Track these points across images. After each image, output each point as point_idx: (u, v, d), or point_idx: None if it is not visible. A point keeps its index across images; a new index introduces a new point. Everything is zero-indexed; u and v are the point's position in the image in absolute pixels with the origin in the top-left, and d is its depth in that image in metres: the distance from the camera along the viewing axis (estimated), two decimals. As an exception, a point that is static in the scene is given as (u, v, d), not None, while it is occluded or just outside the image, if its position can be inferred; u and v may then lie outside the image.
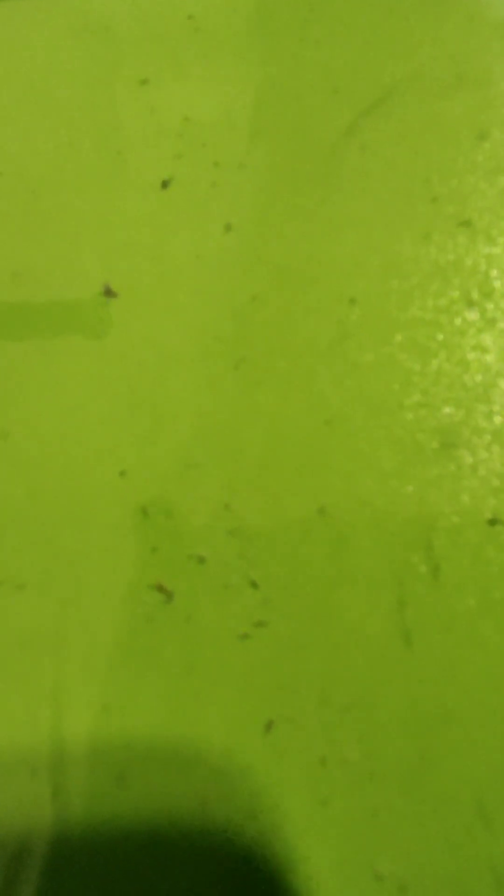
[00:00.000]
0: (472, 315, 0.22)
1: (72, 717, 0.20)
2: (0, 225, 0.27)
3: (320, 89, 0.28)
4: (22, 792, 0.20)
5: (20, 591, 0.22)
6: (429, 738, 0.18)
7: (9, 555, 0.22)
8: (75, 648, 0.21)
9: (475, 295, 0.22)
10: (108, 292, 0.25)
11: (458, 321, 0.22)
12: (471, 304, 0.22)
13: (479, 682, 0.19)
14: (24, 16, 0.32)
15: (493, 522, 0.20)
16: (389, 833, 0.17)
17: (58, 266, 0.26)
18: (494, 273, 0.22)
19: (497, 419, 0.21)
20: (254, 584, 0.20)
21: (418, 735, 0.18)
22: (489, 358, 0.22)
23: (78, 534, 0.22)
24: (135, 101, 0.29)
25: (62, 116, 0.29)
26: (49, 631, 0.21)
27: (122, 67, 0.30)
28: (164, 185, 0.27)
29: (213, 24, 0.30)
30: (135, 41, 0.31)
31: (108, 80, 0.30)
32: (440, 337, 0.22)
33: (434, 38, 0.28)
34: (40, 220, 0.27)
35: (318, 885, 0.17)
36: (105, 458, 0.23)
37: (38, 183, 0.28)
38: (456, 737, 0.18)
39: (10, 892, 0.19)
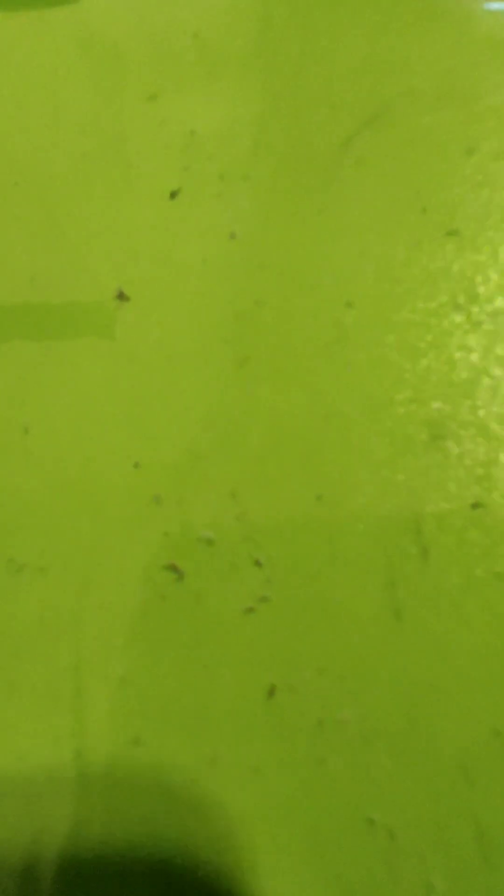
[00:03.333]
0: (459, 318, 0.24)
1: (92, 689, 0.22)
2: (18, 232, 0.29)
3: (319, 105, 0.29)
4: (46, 757, 0.22)
5: (41, 574, 0.24)
6: (417, 704, 0.20)
7: (30, 540, 0.24)
8: (94, 626, 0.23)
9: (461, 299, 0.24)
10: (121, 296, 0.27)
11: (445, 323, 0.24)
12: (457, 307, 0.24)
13: (462, 653, 0.20)
14: (36, 32, 0.34)
15: (475, 506, 0.22)
16: (380, 787, 0.19)
17: (73, 271, 0.28)
18: (479, 279, 0.24)
19: (481, 413, 0.23)
20: (258, 564, 0.22)
21: (407, 701, 0.20)
22: (474, 357, 0.23)
23: (95, 520, 0.24)
24: (144, 116, 0.31)
25: (75, 130, 0.31)
26: (69, 611, 0.23)
27: (131, 83, 0.32)
28: (173, 195, 0.28)
29: (217, 41, 0.32)
30: (143, 58, 0.32)
31: (118, 95, 0.32)
32: (429, 338, 0.24)
33: (426, 56, 0.30)
34: (56, 227, 0.29)
35: (317, 832, 0.19)
36: (119, 450, 0.24)
37: (53, 193, 0.30)
38: (441, 702, 0.20)
39: (35, 849, 0.21)
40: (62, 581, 0.23)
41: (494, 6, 0.30)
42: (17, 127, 0.31)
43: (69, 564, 0.23)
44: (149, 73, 0.32)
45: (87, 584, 0.23)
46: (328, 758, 0.20)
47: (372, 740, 0.19)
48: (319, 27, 0.31)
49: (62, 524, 0.24)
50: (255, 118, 0.30)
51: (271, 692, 0.20)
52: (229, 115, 0.30)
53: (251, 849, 0.19)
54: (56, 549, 0.24)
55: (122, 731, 0.21)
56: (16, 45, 0.33)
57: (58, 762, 0.22)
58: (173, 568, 0.22)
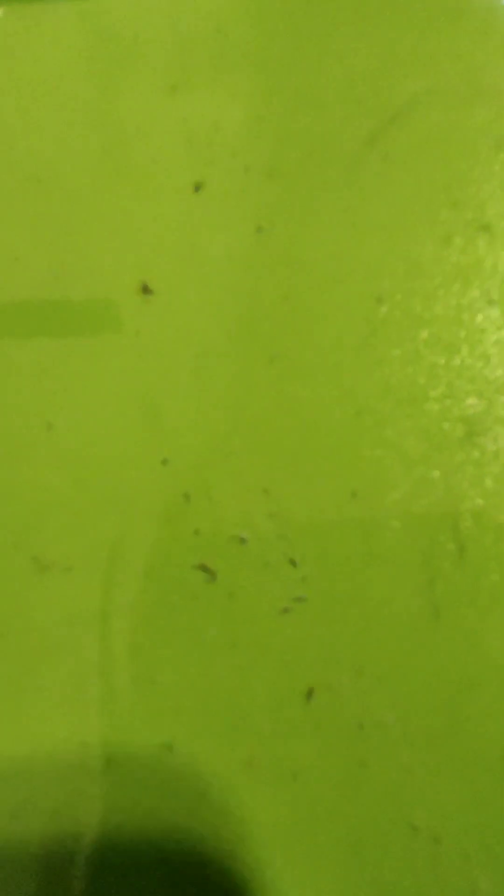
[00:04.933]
0: (493, 312, 0.24)
1: (121, 691, 0.21)
2: (40, 228, 0.28)
3: (344, 100, 0.29)
4: (75, 761, 0.21)
5: (67, 573, 0.23)
6: (457, 703, 0.19)
7: (55, 539, 0.24)
8: (122, 627, 0.22)
9: (495, 294, 0.24)
10: (146, 290, 0.26)
11: (479, 318, 0.24)
12: (491, 302, 0.24)
13: (502, 651, 0.20)
14: (54, 23, 0.33)
15: (514, 504, 0.21)
16: (423, 790, 0.19)
17: (95, 266, 0.27)
18: (513, 274, 0.24)
19: (517, 410, 0.22)
20: (293, 563, 0.21)
21: (447, 700, 0.20)
22: (509, 353, 0.23)
23: (122, 519, 0.23)
24: (165, 109, 0.31)
25: (95, 123, 0.31)
26: (96, 611, 0.23)
27: (151, 76, 0.31)
28: (197, 189, 0.28)
29: (240, 34, 0.31)
30: (163, 50, 0.32)
31: (139, 88, 0.31)
32: (463, 333, 0.24)
33: (451, 52, 0.30)
34: (78, 222, 0.28)
35: (359, 837, 0.18)
36: (147, 447, 0.24)
37: (74, 188, 0.29)
38: (482, 701, 0.20)
39: (66, 853, 0.21)
40: (89, 581, 0.23)
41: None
42: (35, 122, 0.31)
43: (96, 564, 0.23)
44: (170, 65, 0.31)
45: (115, 584, 0.23)
46: (369, 761, 0.19)
47: (413, 742, 0.19)
48: (344, 21, 0.30)
49: (88, 522, 0.23)
50: (279, 112, 0.30)
51: (309, 694, 0.20)
52: (253, 109, 0.30)
53: (290, 855, 0.19)
54: (82, 548, 0.23)
55: (153, 735, 0.20)
56: (32, 39, 0.33)
57: (87, 766, 0.21)
58: (204, 568, 0.22)
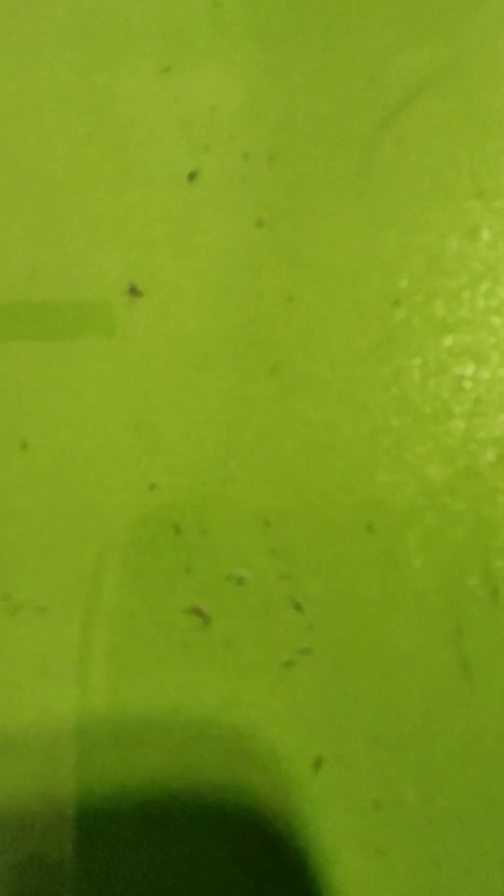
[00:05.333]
0: (529, 317, 0.21)
1: (99, 751, 0.19)
2: (16, 221, 0.26)
3: (354, 78, 0.26)
4: (47, 825, 0.19)
5: (41, 614, 0.20)
6: (492, 778, 0.17)
7: (29, 575, 0.21)
8: (102, 677, 0.20)
9: (530, 295, 0.21)
10: (134, 291, 0.23)
11: (511, 324, 0.21)
12: (526, 305, 0.21)
13: (544, 715, 0.17)
14: (40, 4, 0.31)
15: None
16: (453, 885, 0.16)
17: (78, 264, 0.25)
18: (552, 272, 0.21)
19: None
20: (298, 607, 0.18)
21: (481, 775, 0.17)
22: (548, 363, 0.20)
23: (104, 553, 0.21)
24: (156, 91, 0.28)
25: (80, 107, 0.28)
26: (72, 658, 0.20)
27: (142, 55, 0.28)
28: (191, 178, 0.25)
29: (238, 8, 0.28)
30: (155, 28, 0.29)
31: (129, 68, 0.28)
32: (492, 340, 0.21)
33: (470, 25, 0.27)
34: (59, 215, 0.25)
35: (377, 942, 0.16)
36: (133, 470, 0.21)
37: (56, 176, 0.26)
38: (522, 777, 0.17)
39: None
40: (65, 623, 0.20)
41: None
42: (14, 106, 0.28)
43: (73, 603, 0.20)
44: (162, 43, 0.29)
45: (95, 627, 0.20)
46: (388, 848, 0.16)
47: (440, 825, 0.16)
48: (354, -8, 0.28)
49: (66, 556, 0.21)
50: (281, 93, 0.27)
51: (317, 765, 0.17)
52: (253, 90, 0.27)
53: None
54: (58, 586, 0.20)
55: (137, 810, 0.18)
56: (14, 21, 0.30)
57: (63, 836, 0.19)
58: (197, 611, 0.19)
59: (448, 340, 0.21)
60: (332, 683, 0.18)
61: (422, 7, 0.27)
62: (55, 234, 0.26)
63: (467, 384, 0.21)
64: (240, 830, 0.17)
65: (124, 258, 0.25)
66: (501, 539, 0.19)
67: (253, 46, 0.29)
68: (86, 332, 0.24)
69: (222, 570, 0.19)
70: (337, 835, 0.16)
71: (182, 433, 0.21)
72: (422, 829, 0.16)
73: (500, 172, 0.23)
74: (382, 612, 0.18)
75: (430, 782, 0.17)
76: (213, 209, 0.24)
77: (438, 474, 0.19)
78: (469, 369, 0.21)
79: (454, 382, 0.21)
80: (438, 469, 0.20)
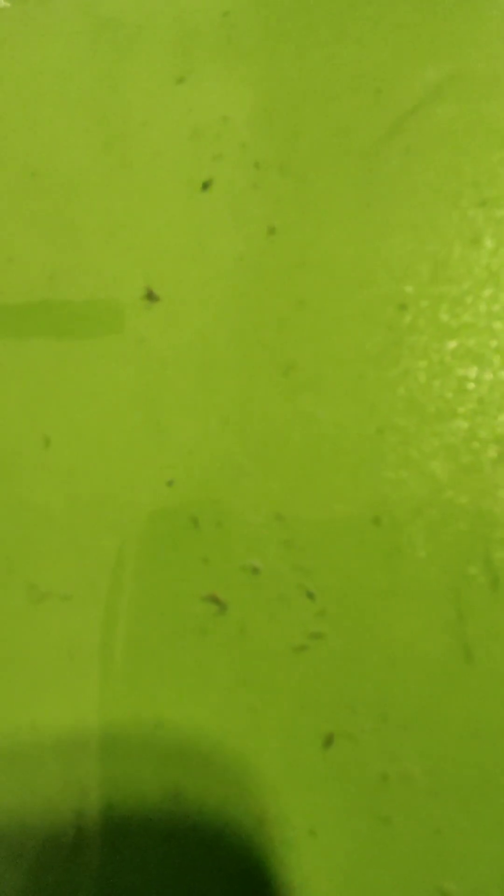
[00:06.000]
0: (528, 322, 0.22)
1: (121, 733, 0.20)
2: (36, 225, 0.27)
3: (361, 89, 0.27)
4: (70, 810, 0.20)
5: (65, 602, 0.22)
6: (491, 755, 0.18)
7: (53, 565, 0.22)
8: (124, 662, 0.21)
9: (530, 301, 0.22)
10: (151, 296, 0.24)
11: (512, 328, 0.22)
12: (525, 310, 0.22)
13: (540, 696, 0.18)
14: (56, 16, 0.32)
15: (553, 533, 0.20)
16: (454, 851, 0.17)
17: (95, 268, 0.26)
18: (551, 279, 0.22)
19: None
20: (310, 595, 0.20)
21: (481, 751, 0.18)
22: (546, 366, 0.21)
23: (124, 544, 0.22)
24: (171, 101, 0.29)
25: (96, 116, 0.29)
26: (96, 644, 0.21)
27: (156, 66, 0.29)
28: (205, 186, 0.26)
29: (249, 20, 0.29)
30: (169, 39, 0.30)
31: (143, 79, 0.29)
32: (494, 343, 0.22)
33: (475, 36, 0.28)
34: (77, 221, 0.26)
35: (383, 904, 0.17)
36: (151, 466, 0.22)
37: (74, 183, 0.27)
38: (519, 753, 0.18)
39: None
40: (88, 611, 0.21)
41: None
42: (34, 115, 0.29)
43: (96, 592, 0.21)
44: (175, 55, 0.30)
45: (117, 615, 0.21)
46: (393, 817, 0.17)
47: (442, 797, 0.17)
48: (361, 4, 0.28)
49: (88, 548, 0.22)
50: (292, 103, 0.28)
51: (328, 742, 0.18)
52: (264, 100, 0.28)
53: (307, 920, 0.17)
54: (81, 576, 0.22)
55: (159, 783, 0.19)
56: (29, 31, 0.31)
57: (84, 814, 0.20)
58: (214, 599, 0.20)
59: (452, 344, 0.22)
60: (341, 666, 0.19)
61: (428, 20, 0.28)
62: (72, 241, 0.27)
63: (470, 385, 0.22)
64: (254, 800, 0.18)
65: (140, 264, 0.26)
66: (501, 531, 0.20)
67: (263, 58, 0.30)
68: (104, 335, 0.25)
69: (237, 561, 0.20)
70: (347, 804, 0.18)
71: (197, 432, 0.22)
72: (425, 801, 0.17)
73: (502, 181, 0.24)
74: (389, 599, 0.19)
75: (434, 757, 0.18)
76: (226, 217, 0.25)
77: (442, 470, 0.21)
78: (472, 371, 0.22)
79: (458, 384, 0.22)
80: (442, 465, 0.21)
